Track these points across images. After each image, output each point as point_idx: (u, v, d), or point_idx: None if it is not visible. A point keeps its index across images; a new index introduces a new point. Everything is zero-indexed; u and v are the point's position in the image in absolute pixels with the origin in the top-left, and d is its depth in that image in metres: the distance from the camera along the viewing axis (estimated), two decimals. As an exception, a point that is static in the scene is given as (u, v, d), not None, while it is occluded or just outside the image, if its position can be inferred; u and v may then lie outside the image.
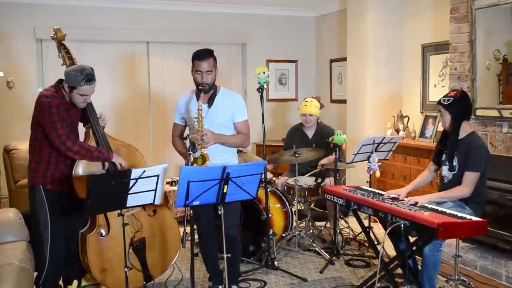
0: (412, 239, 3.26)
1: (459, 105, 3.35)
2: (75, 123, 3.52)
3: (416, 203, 3.22)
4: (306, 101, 4.95)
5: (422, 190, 4.07)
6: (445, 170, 3.48)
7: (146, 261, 3.62)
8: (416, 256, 3.45)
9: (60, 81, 3.39)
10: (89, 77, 3.26)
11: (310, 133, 5.02)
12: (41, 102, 3.27)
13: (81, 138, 3.62)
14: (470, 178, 3.27)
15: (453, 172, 3.38)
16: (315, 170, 4.86)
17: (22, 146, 5.12)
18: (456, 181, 3.36)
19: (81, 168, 3.39)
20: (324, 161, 4.83)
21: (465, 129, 3.37)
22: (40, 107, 3.28)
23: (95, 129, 3.51)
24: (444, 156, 3.49)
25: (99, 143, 3.49)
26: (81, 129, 3.63)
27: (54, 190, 3.38)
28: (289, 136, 5.16)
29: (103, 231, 3.47)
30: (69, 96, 3.34)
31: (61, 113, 3.27)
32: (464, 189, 3.27)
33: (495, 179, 3.93)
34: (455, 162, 3.37)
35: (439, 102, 3.42)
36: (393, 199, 3.34)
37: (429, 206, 3.17)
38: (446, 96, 3.40)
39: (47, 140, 3.31)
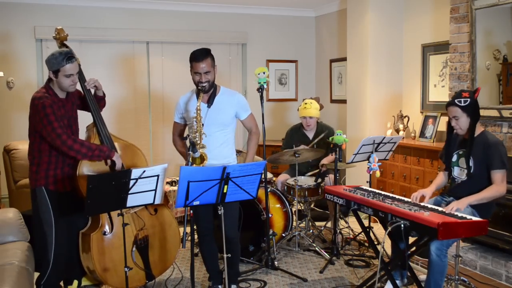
0: (412, 239, 3.27)
1: (476, 106, 3.27)
2: (73, 117, 3.50)
3: (457, 209, 3.15)
4: (306, 103, 4.93)
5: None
6: (456, 171, 3.45)
7: (148, 260, 3.62)
8: (417, 257, 3.45)
9: (49, 80, 3.37)
10: (69, 55, 3.25)
11: (310, 134, 5.01)
12: (34, 104, 3.26)
13: (82, 134, 3.63)
14: (500, 176, 3.23)
15: (470, 172, 3.33)
16: (316, 171, 4.85)
17: (22, 146, 5.12)
18: (473, 181, 3.31)
19: (85, 167, 3.39)
20: (324, 161, 4.83)
21: (476, 129, 3.31)
22: (34, 110, 3.26)
23: (99, 128, 3.51)
24: (455, 157, 3.46)
25: (103, 142, 3.49)
26: (83, 125, 3.63)
27: (57, 191, 3.38)
28: (289, 136, 5.14)
29: (106, 230, 3.47)
30: (58, 86, 3.31)
31: (57, 111, 3.25)
32: (500, 188, 3.22)
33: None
34: (470, 163, 3.32)
35: (453, 104, 3.25)
36: (414, 204, 3.25)
37: (429, 206, 3.17)
38: (459, 97, 3.25)
39: (46, 142, 3.30)
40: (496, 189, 3.23)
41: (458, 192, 3.36)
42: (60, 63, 3.22)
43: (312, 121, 4.91)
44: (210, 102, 3.43)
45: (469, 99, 3.23)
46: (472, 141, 3.29)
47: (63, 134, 3.23)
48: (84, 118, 3.62)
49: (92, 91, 3.59)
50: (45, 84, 3.39)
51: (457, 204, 3.17)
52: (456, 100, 3.25)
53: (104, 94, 3.68)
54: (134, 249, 3.53)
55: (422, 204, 3.23)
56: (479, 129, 3.35)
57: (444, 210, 3.10)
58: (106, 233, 3.46)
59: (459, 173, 3.43)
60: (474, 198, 3.22)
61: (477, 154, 3.29)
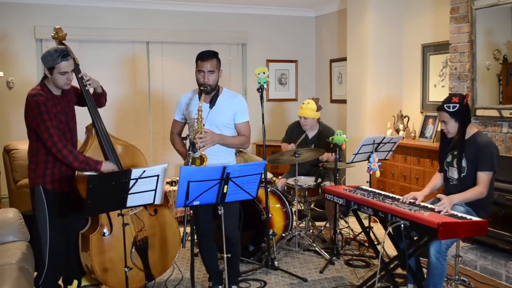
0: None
1: (466, 111, 3.28)
2: (70, 114, 3.48)
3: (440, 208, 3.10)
4: (303, 103, 4.90)
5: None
6: (451, 171, 3.44)
7: (148, 261, 3.62)
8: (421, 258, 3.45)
9: (44, 78, 3.36)
10: (64, 53, 3.24)
11: (311, 133, 5.00)
12: (28, 102, 3.26)
13: (82, 134, 3.62)
14: (485, 178, 3.22)
15: (463, 174, 3.33)
16: (316, 173, 4.83)
17: (22, 146, 5.12)
18: (466, 182, 3.30)
19: None
20: (324, 157, 4.78)
21: (469, 130, 3.32)
22: (28, 108, 3.26)
23: (98, 128, 3.50)
24: (449, 158, 3.46)
25: (101, 143, 3.48)
26: (82, 125, 3.63)
27: (54, 190, 3.37)
28: (289, 131, 5.11)
29: (105, 231, 3.46)
30: (53, 83, 3.30)
31: (50, 109, 3.25)
32: (482, 189, 3.21)
33: (495, 179, 3.92)
34: (464, 164, 3.32)
35: (441, 109, 3.28)
36: (410, 203, 3.24)
37: (429, 206, 3.17)
38: (448, 102, 3.27)
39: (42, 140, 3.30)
40: (480, 190, 3.22)
41: (453, 193, 3.36)
42: (55, 60, 3.21)
43: (307, 121, 4.85)
44: (212, 102, 3.43)
45: (458, 105, 3.24)
46: (462, 143, 3.29)
47: (55, 135, 3.22)
48: (85, 118, 3.62)
49: (91, 90, 3.59)
50: (40, 81, 3.39)
51: (447, 200, 3.13)
52: (445, 105, 3.27)
53: (103, 91, 3.67)
54: (133, 250, 3.53)
55: (422, 204, 3.23)
56: (472, 130, 3.35)
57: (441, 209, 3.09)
58: (105, 235, 3.45)
59: (453, 173, 3.43)
60: (459, 199, 3.21)
61: (469, 156, 3.29)
